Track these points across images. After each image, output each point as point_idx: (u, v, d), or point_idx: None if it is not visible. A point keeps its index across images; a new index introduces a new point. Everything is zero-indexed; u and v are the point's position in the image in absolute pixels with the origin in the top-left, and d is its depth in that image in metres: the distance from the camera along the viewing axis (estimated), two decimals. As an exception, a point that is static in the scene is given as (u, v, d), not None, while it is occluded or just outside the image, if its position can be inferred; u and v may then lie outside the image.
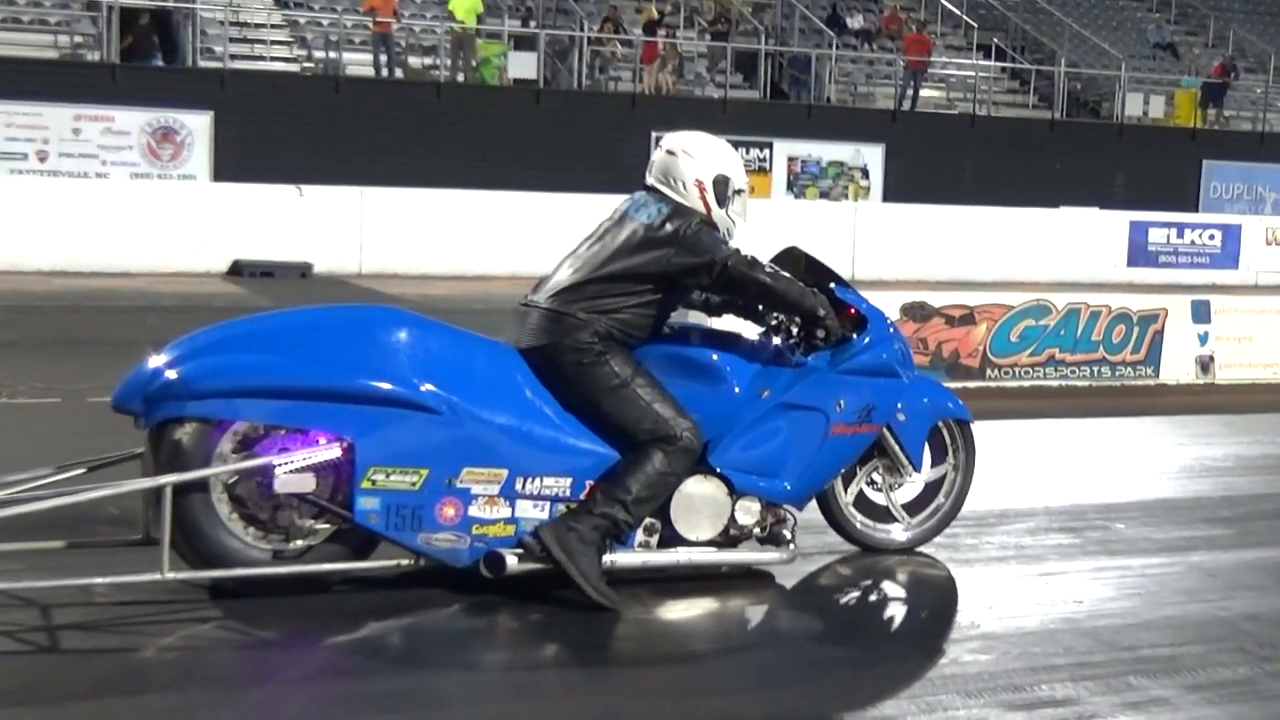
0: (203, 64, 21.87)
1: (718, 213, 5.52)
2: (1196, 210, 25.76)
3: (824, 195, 23.64)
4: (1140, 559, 6.47)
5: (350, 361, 5.14)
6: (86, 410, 8.84)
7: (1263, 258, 24.02)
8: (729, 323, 5.98)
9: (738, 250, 5.44)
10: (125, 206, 18.35)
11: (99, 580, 4.90)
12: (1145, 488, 8.28)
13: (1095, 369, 11.75)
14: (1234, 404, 11.25)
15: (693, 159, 5.55)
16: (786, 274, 5.60)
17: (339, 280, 17.80)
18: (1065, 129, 26.72)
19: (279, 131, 20.23)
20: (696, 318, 5.87)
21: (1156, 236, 23.56)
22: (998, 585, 5.92)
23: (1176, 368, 11.98)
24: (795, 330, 5.65)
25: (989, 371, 10.95)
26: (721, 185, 5.54)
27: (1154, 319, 11.92)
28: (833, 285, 5.75)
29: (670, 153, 5.59)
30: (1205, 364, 12.06)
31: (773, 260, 5.70)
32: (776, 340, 5.69)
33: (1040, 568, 6.22)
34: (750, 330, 5.85)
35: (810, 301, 5.53)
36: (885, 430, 5.91)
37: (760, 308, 5.73)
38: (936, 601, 5.82)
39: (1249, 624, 5.48)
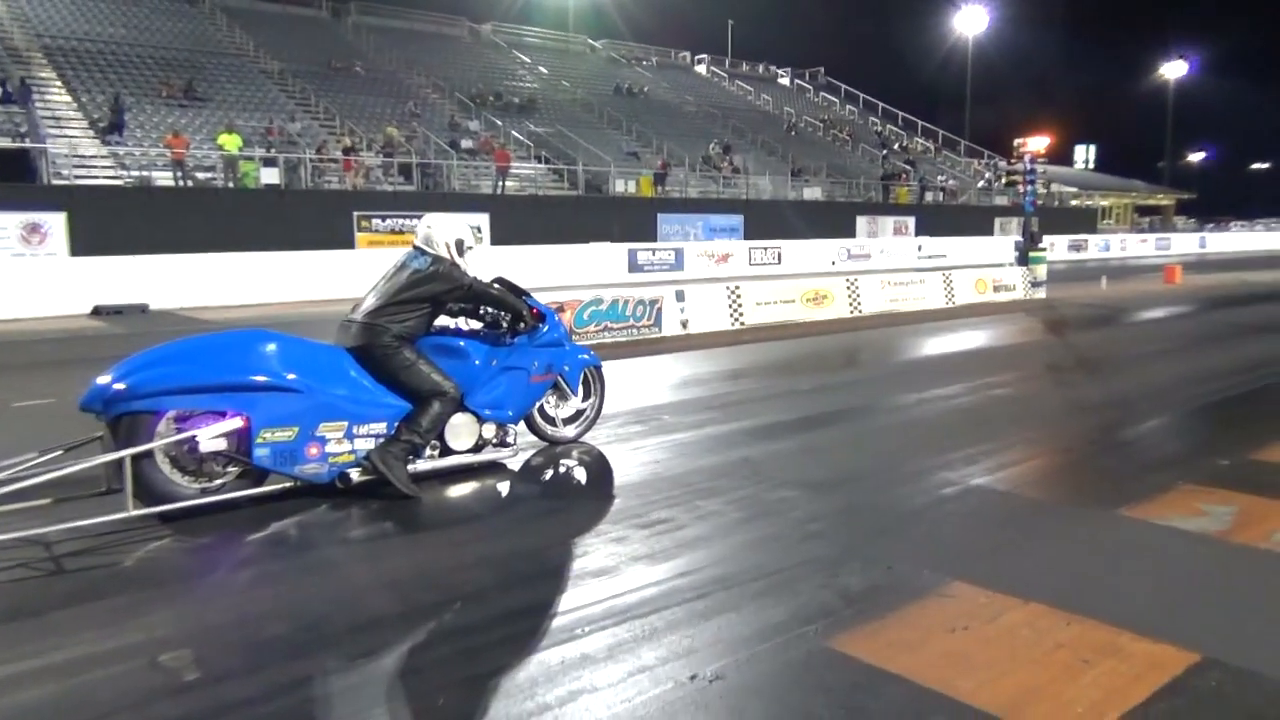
0: (56, 182, 18.95)
1: (459, 260, 5.33)
2: (656, 241, 26.56)
3: (459, 244, 22.98)
4: (679, 434, 6.54)
5: (240, 365, 4.67)
6: (11, 413, 7.51)
7: (698, 265, 25.35)
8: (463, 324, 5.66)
9: (475, 277, 5.27)
10: (9, 276, 15.79)
11: (85, 522, 4.26)
12: (669, 394, 8.34)
13: (628, 331, 11.97)
14: (703, 344, 11.58)
15: (442, 229, 5.34)
16: (501, 289, 5.48)
17: (167, 313, 15.90)
18: (584, 201, 27.04)
19: (113, 223, 17.88)
20: (445, 320, 5.52)
21: (642, 257, 24.39)
22: (614, 457, 5.89)
23: (670, 327, 12.32)
24: (506, 324, 5.49)
25: (574, 338, 10.91)
26: (459, 244, 5.35)
27: (656, 301, 12.26)
28: (525, 297, 5.62)
29: (429, 227, 5.37)
30: (684, 323, 12.52)
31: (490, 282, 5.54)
32: (497, 331, 5.51)
33: (631, 444, 6.21)
34: (477, 326, 5.61)
35: (516, 305, 5.43)
36: (558, 376, 5.84)
37: (483, 310, 5.54)
38: (592, 470, 5.72)
39: (746, 464, 5.68)
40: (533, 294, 5.83)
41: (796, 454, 5.99)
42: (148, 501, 4.40)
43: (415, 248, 5.31)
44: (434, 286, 5.14)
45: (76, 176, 19.81)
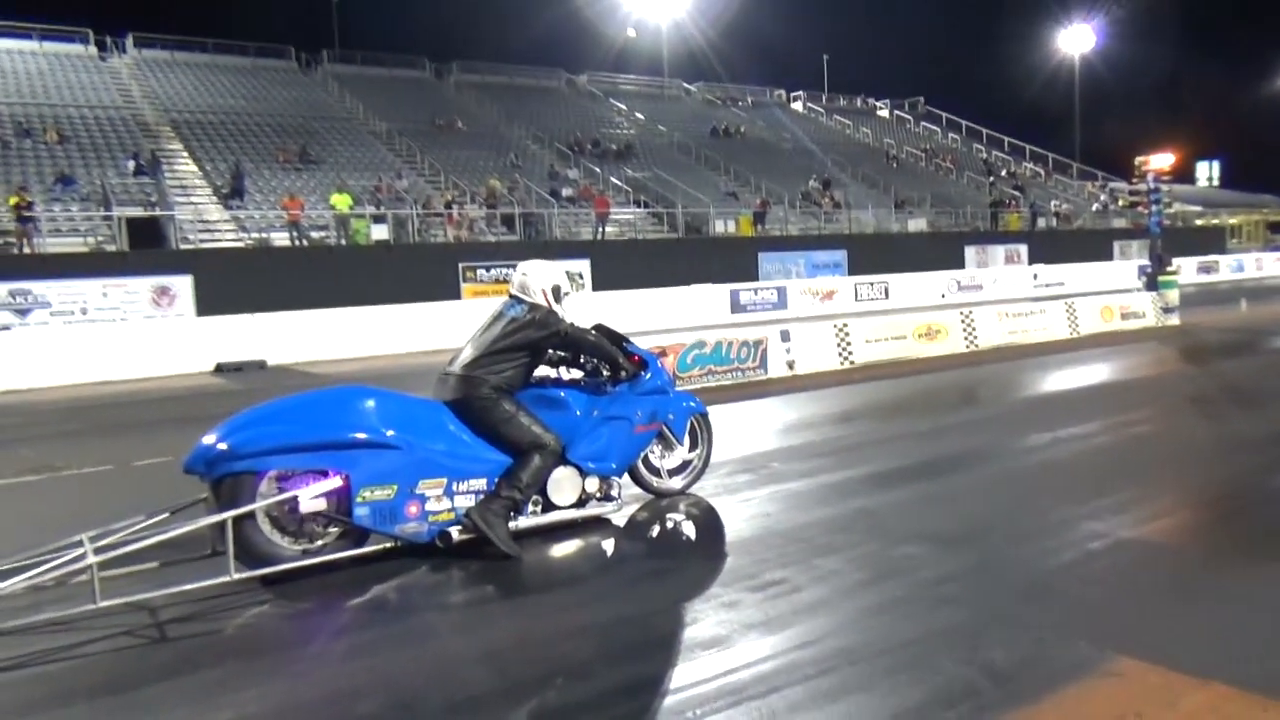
0: (182, 247, 19.99)
1: (556, 306, 5.16)
2: (758, 280, 26.14)
3: (561, 291, 23.15)
4: (791, 483, 6.18)
5: (339, 422, 4.57)
6: (133, 472, 7.64)
7: (802, 303, 24.78)
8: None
9: (573, 323, 5.09)
10: (141, 337, 16.49)
11: (188, 586, 4.18)
12: (778, 440, 7.97)
13: (733, 374, 11.65)
14: (811, 385, 11.17)
15: (538, 276, 5.18)
16: (598, 335, 5.27)
17: (285, 369, 16.35)
18: (684, 243, 26.96)
19: (235, 283, 18.67)
20: (545, 370, 5.33)
21: (744, 297, 23.96)
22: (723, 510, 5.55)
23: (776, 368, 11.94)
24: (606, 372, 5.27)
25: (678, 382, 10.66)
26: (556, 290, 5.18)
27: (761, 342, 11.92)
28: (625, 343, 5.41)
29: (524, 274, 5.22)
30: (791, 364, 12.13)
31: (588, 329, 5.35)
32: (597, 380, 5.29)
33: (740, 495, 5.87)
34: (577, 375, 5.40)
35: (613, 353, 5.21)
36: (663, 426, 5.59)
37: (583, 359, 5.33)
38: (700, 525, 5.39)
39: (865, 516, 5.28)
40: (634, 339, 5.61)
41: (919, 504, 5.54)
42: (249, 563, 4.32)
43: (511, 296, 5.18)
44: (531, 334, 4.97)
45: (201, 240, 20.87)
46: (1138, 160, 16.44)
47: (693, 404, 5.87)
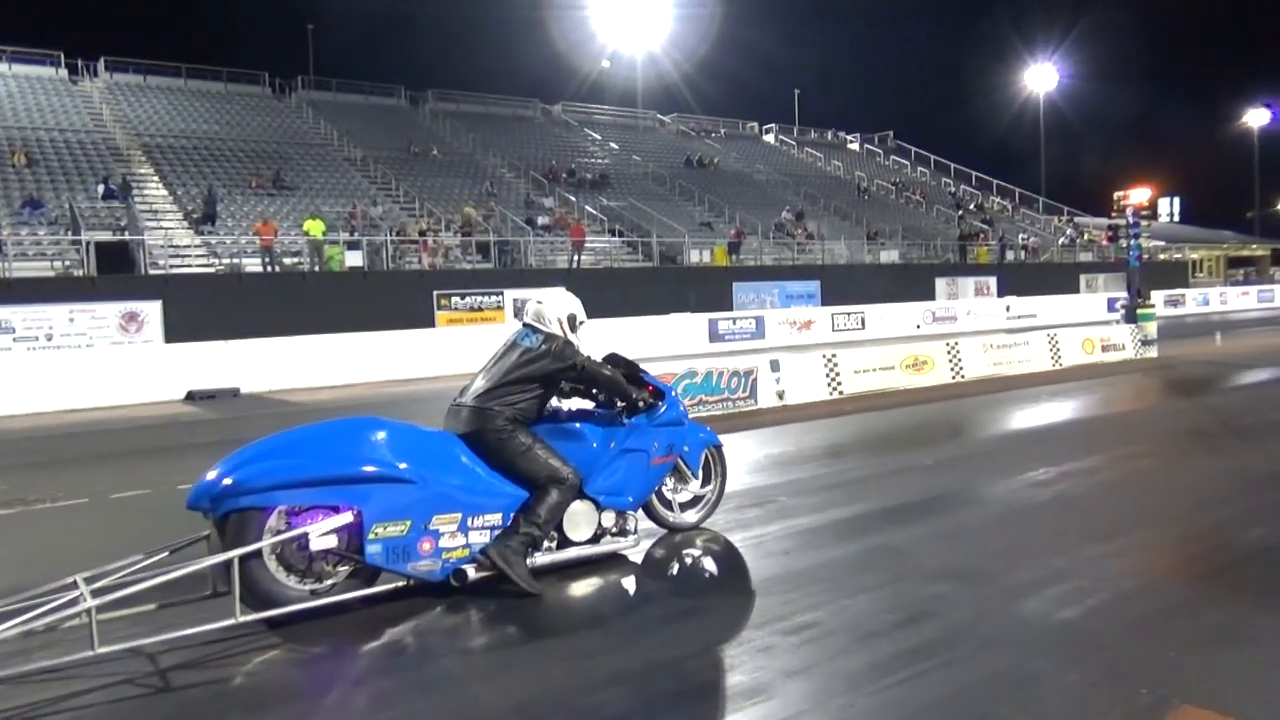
0: (152, 272, 19.54)
1: (571, 336, 5.01)
2: (732, 310, 26.14)
3: (540, 319, 22.93)
4: (803, 518, 6.02)
5: (351, 455, 4.37)
6: (111, 505, 7.32)
7: (780, 333, 24.78)
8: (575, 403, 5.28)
9: (589, 356, 4.94)
10: (108, 364, 15.99)
11: (191, 630, 3.93)
12: (780, 473, 7.70)
13: (723, 405, 11.54)
14: (801, 415, 11.04)
15: (554, 306, 5.04)
16: (613, 369, 5.11)
17: (258, 397, 15.96)
18: (659, 272, 26.98)
19: (205, 309, 18.31)
20: (558, 400, 5.16)
21: (723, 326, 23.90)
22: (741, 547, 5.37)
23: (765, 398, 11.84)
24: (620, 404, 5.12)
25: (668, 412, 10.47)
26: (572, 319, 5.03)
27: (751, 372, 11.81)
28: (640, 373, 5.26)
29: (540, 303, 5.06)
30: (780, 394, 12.02)
31: (603, 360, 5.18)
32: (613, 410, 5.13)
33: (753, 531, 5.70)
34: (591, 405, 5.23)
35: (627, 390, 5.07)
36: (679, 458, 5.43)
37: (596, 391, 5.16)
38: (720, 562, 5.20)
39: (886, 553, 5.15)
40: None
41: (938, 540, 5.40)
42: (255, 604, 4.08)
43: (526, 325, 5.01)
44: (546, 365, 4.80)
45: (171, 266, 20.45)
46: (1116, 195, 16.71)
47: (705, 435, 5.72)
